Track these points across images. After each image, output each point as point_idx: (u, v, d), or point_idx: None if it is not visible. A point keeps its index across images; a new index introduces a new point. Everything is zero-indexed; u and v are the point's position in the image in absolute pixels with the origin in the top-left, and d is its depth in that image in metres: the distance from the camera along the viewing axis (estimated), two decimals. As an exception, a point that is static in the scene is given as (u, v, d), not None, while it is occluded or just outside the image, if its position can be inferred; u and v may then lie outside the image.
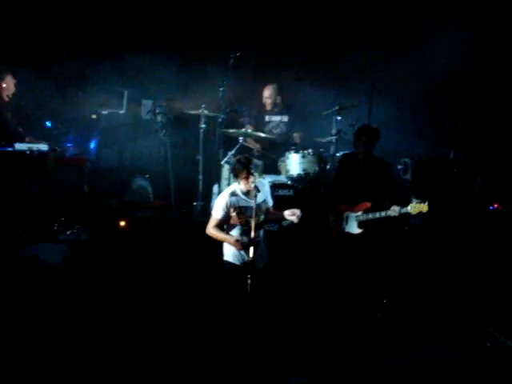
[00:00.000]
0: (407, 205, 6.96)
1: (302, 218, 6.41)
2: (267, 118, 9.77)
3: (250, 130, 9.30)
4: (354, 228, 7.39)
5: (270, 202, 6.63)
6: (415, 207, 6.91)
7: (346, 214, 7.47)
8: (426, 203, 6.86)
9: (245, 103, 10.12)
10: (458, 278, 7.94)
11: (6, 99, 8.83)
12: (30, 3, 9.66)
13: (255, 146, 9.62)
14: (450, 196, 9.38)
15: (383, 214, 7.13)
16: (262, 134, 9.34)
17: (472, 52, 9.75)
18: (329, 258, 7.68)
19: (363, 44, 10.07)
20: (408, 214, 7.06)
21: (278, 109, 9.78)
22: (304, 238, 8.45)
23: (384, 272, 7.49)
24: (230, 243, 6.38)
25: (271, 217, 6.67)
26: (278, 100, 9.78)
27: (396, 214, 7.05)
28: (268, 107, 9.77)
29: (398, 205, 7.04)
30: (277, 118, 9.75)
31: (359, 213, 7.33)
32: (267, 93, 9.76)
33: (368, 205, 7.28)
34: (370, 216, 7.25)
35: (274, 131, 9.72)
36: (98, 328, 6.56)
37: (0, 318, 6.56)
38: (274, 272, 6.79)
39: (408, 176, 9.54)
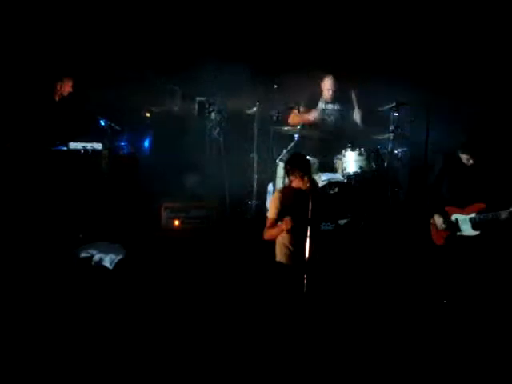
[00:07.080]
0: None
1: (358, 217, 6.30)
2: (323, 105, 9.40)
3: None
4: (469, 230, 7.08)
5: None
6: None
7: (455, 216, 7.17)
8: None
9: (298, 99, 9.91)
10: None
11: (57, 99, 8.91)
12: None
13: (314, 133, 9.28)
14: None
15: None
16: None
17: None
18: (432, 263, 7.32)
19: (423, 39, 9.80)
20: None
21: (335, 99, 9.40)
22: (361, 238, 8.26)
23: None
24: (283, 229, 6.33)
25: None
26: (338, 91, 9.38)
27: None
28: (326, 97, 9.36)
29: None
30: (332, 106, 9.38)
31: (472, 214, 7.06)
32: (329, 83, 9.31)
33: (482, 206, 6.97)
34: (491, 216, 6.89)
35: (329, 119, 9.39)
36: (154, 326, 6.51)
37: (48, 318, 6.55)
38: (329, 272, 6.66)
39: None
